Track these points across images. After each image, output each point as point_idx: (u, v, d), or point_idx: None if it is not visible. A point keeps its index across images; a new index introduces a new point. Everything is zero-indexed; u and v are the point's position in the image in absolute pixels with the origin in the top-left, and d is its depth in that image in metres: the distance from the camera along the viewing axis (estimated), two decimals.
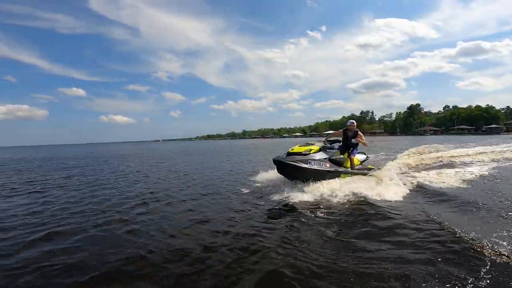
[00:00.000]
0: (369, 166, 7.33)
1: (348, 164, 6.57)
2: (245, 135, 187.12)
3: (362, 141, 6.57)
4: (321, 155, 6.01)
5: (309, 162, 5.69)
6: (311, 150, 5.92)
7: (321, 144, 6.48)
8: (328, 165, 6.00)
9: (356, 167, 6.74)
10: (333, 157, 6.31)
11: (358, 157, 7.20)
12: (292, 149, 6.00)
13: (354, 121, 6.84)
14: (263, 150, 24.34)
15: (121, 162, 16.22)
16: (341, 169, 6.26)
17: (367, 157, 7.85)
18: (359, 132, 6.67)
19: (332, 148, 6.62)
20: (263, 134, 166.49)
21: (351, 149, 6.74)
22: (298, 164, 5.53)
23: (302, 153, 5.83)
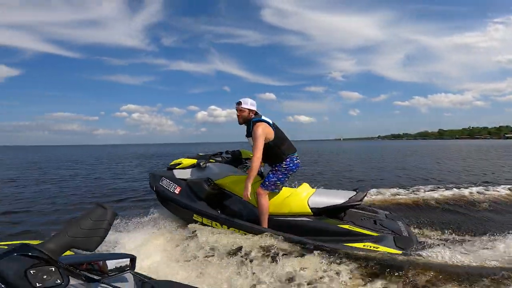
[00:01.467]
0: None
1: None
2: (442, 135, 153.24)
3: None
4: (181, 174, 3.38)
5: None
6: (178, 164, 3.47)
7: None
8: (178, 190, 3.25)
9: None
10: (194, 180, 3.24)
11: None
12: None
13: (241, 100, 2.92)
14: None
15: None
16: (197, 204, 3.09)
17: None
18: (255, 127, 2.75)
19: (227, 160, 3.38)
20: (471, 134, 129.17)
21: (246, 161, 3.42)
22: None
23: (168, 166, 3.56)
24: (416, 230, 3.43)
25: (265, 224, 2.80)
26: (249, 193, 2.71)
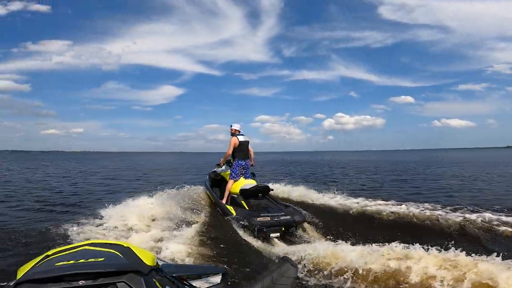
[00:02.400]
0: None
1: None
2: None
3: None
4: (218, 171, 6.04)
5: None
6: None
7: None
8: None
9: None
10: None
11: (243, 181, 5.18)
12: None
13: (232, 124, 5.37)
14: None
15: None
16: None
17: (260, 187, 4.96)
18: (231, 138, 5.30)
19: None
20: None
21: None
22: None
23: None
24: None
25: (225, 198, 5.00)
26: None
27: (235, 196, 4.89)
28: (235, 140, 5.09)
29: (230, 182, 5.04)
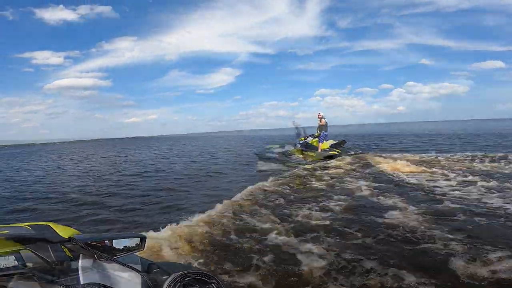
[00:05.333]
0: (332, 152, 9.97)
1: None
2: None
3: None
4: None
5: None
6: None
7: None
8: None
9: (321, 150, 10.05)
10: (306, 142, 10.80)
11: (326, 143, 10.27)
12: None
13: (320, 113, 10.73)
14: None
15: None
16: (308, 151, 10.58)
17: (336, 142, 10.39)
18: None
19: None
20: None
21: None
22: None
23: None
24: None
25: (319, 149, 10.30)
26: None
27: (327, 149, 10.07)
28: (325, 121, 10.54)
29: (320, 144, 10.15)
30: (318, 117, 10.59)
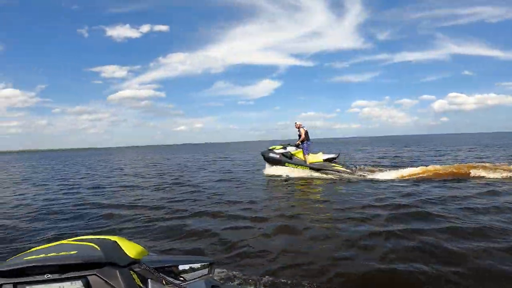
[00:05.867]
0: (336, 166, 9.47)
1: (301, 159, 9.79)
2: None
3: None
4: (278, 151, 10.09)
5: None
6: (274, 148, 10.18)
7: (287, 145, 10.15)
8: (278, 157, 10.00)
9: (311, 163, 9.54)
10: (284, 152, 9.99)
11: (315, 156, 9.73)
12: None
13: (296, 121, 9.85)
14: None
15: None
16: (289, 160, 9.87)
17: (332, 157, 9.71)
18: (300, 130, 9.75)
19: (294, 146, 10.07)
20: None
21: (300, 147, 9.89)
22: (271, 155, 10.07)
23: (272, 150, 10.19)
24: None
25: (308, 162, 9.57)
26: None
27: (319, 162, 9.57)
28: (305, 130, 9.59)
29: (307, 156, 9.55)
30: (296, 127, 9.64)
